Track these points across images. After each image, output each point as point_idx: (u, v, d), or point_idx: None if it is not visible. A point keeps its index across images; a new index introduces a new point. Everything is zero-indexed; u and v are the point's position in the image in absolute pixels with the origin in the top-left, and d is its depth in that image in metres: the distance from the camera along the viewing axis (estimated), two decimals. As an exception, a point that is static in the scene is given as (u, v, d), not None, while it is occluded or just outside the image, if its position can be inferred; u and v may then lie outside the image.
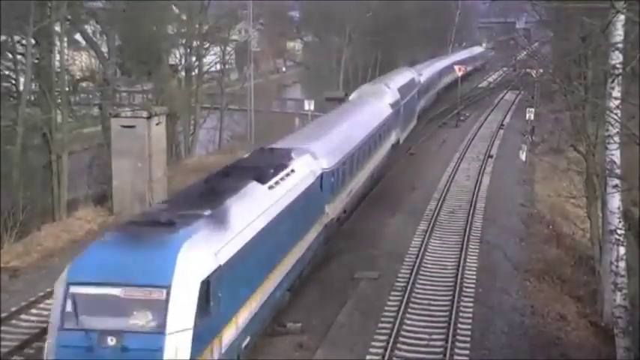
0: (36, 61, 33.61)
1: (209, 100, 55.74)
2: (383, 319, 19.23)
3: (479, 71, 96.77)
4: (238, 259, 14.21)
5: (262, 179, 17.78)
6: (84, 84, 41.28)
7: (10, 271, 23.45)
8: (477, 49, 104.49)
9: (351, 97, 39.95)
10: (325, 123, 30.34)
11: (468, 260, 23.95)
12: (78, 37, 41.64)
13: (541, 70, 36.04)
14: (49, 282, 16.96)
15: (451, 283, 21.81)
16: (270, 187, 17.80)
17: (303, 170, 20.74)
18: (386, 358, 17.08)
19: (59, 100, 33.76)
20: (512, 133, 50.80)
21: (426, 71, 58.94)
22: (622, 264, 15.74)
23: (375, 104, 36.21)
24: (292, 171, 19.85)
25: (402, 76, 47.39)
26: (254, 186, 17.28)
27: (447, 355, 17.29)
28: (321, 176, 22.08)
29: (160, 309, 12.05)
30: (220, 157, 45.23)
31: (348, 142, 27.01)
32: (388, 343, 17.71)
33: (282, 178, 18.74)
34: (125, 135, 30.07)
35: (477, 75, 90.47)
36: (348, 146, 26.64)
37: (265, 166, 18.95)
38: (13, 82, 34.23)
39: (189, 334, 12.12)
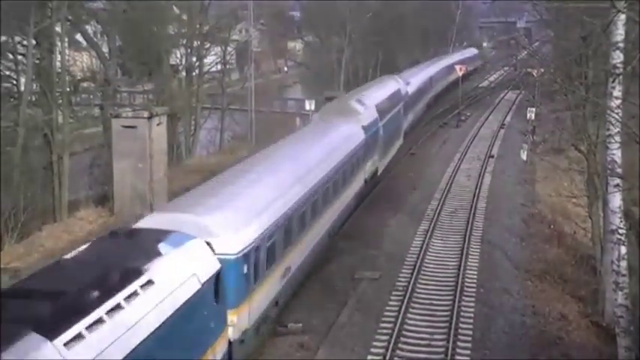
0: (37, 61, 33.68)
1: (210, 101, 55.79)
2: (384, 319, 19.22)
3: (476, 73, 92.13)
4: None
5: (55, 326, 8.95)
6: (85, 84, 41.32)
7: (11, 271, 23.45)
8: (472, 51, 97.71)
9: (312, 119, 31.36)
10: (254, 168, 20.04)
11: (469, 260, 23.93)
12: (79, 37, 41.71)
13: (542, 70, 36.09)
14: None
15: (452, 283, 21.80)
16: (70, 343, 8.97)
17: (174, 274, 12.03)
18: (387, 358, 17.07)
19: (60, 101, 33.83)
20: (513, 133, 50.80)
21: (414, 79, 51.57)
22: (623, 263, 15.73)
23: (343, 129, 27.75)
24: (148, 283, 11.17)
25: (383, 89, 39.12)
26: (26, 349, 8.39)
27: (449, 355, 17.27)
28: (218, 275, 13.56)
29: None
30: (221, 157, 45.29)
31: (285, 197, 18.58)
32: (389, 343, 17.70)
33: (114, 309, 10.09)
34: (126, 135, 30.07)
35: (472, 80, 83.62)
36: (283, 204, 18.20)
37: (86, 284, 10.16)
38: (14, 82, 34.30)
39: None
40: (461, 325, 18.89)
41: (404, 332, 18.48)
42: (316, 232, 21.58)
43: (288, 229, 18.33)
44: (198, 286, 12.53)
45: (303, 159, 22.30)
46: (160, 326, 10.89)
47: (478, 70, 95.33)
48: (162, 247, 12.46)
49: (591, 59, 21.22)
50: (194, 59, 50.70)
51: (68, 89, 35.73)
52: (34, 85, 34.50)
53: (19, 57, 34.02)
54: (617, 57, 14.72)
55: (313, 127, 29.27)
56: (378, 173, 33.41)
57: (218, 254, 13.96)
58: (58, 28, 33.99)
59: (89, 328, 9.44)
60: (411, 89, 47.16)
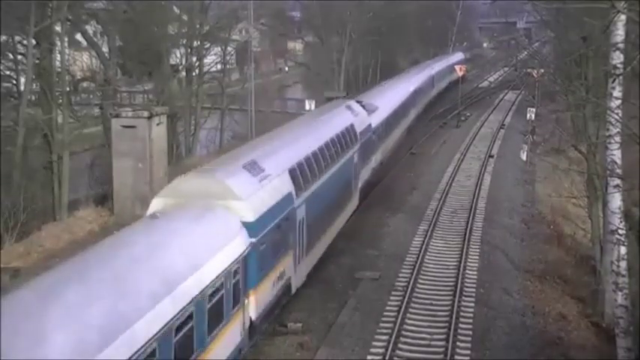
0: (37, 61, 33.67)
1: (210, 100, 55.75)
2: (384, 319, 19.23)
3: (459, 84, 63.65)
4: None
5: None
6: (85, 84, 41.38)
7: (11, 271, 23.46)
8: (459, 56, 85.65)
9: (149, 213, 15.30)
10: None
11: (468, 260, 23.93)
12: (79, 37, 41.74)
13: (542, 71, 36.11)
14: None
15: (452, 284, 21.80)
16: None
17: None
18: (387, 358, 17.08)
19: (60, 101, 33.82)
20: (513, 133, 50.79)
21: (384, 102, 36.55)
22: (623, 264, 15.73)
23: (195, 235, 14.11)
24: None
25: (314, 132, 23.62)
26: None
27: (448, 355, 17.27)
28: None
29: None
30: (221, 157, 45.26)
31: None
32: (389, 343, 17.71)
33: None
34: (126, 135, 30.10)
35: (454, 94, 61.86)
36: None
37: None
38: (14, 82, 34.31)
39: None
40: (460, 325, 18.89)
41: (403, 332, 18.48)
42: None
43: None
44: None
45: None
46: None
47: (460, 81, 65.20)
48: None
49: (591, 60, 21.24)
50: (194, 59, 50.68)
51: (68, 89, 35.74)
52: (34, 85, 34.50)
53: (19, 57, 34.03)
54: (617, 57, 14.72)
55: (139, 234, 13.82)
56: (292, 291, 19.09)
57: None
58: (58, 28, 33.99)
59: None
60: (378, 117, 33.29)
